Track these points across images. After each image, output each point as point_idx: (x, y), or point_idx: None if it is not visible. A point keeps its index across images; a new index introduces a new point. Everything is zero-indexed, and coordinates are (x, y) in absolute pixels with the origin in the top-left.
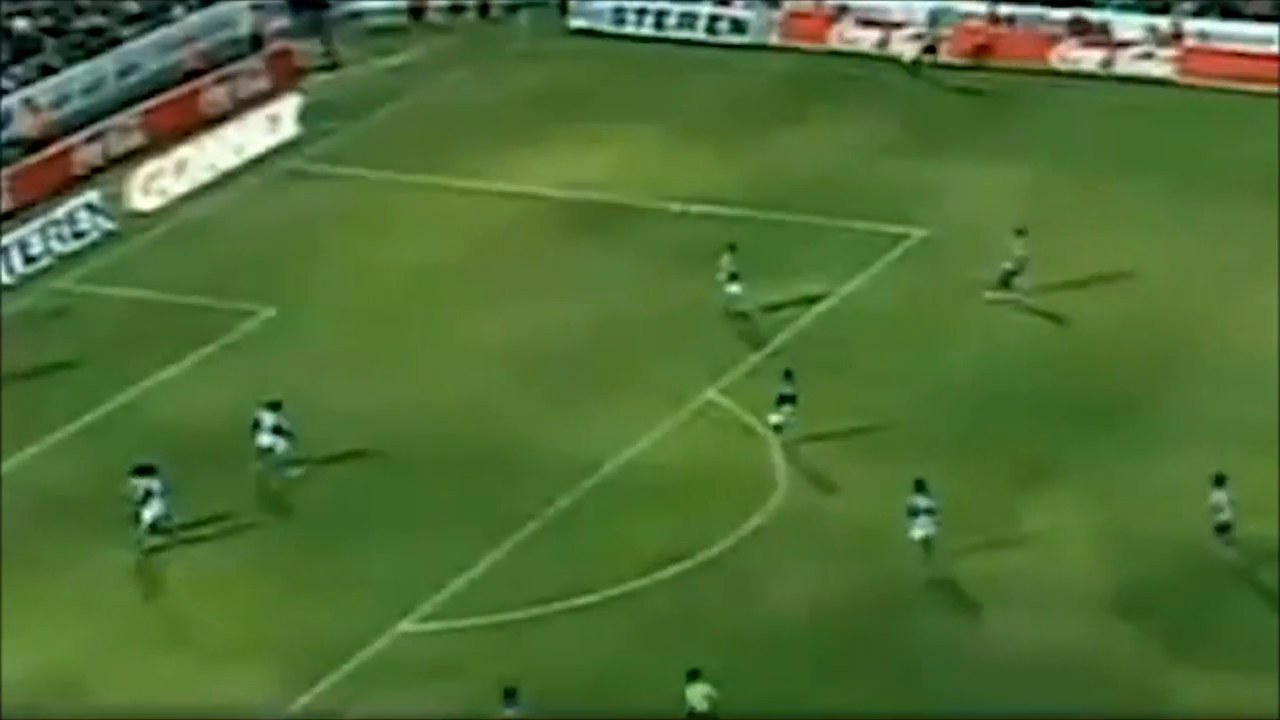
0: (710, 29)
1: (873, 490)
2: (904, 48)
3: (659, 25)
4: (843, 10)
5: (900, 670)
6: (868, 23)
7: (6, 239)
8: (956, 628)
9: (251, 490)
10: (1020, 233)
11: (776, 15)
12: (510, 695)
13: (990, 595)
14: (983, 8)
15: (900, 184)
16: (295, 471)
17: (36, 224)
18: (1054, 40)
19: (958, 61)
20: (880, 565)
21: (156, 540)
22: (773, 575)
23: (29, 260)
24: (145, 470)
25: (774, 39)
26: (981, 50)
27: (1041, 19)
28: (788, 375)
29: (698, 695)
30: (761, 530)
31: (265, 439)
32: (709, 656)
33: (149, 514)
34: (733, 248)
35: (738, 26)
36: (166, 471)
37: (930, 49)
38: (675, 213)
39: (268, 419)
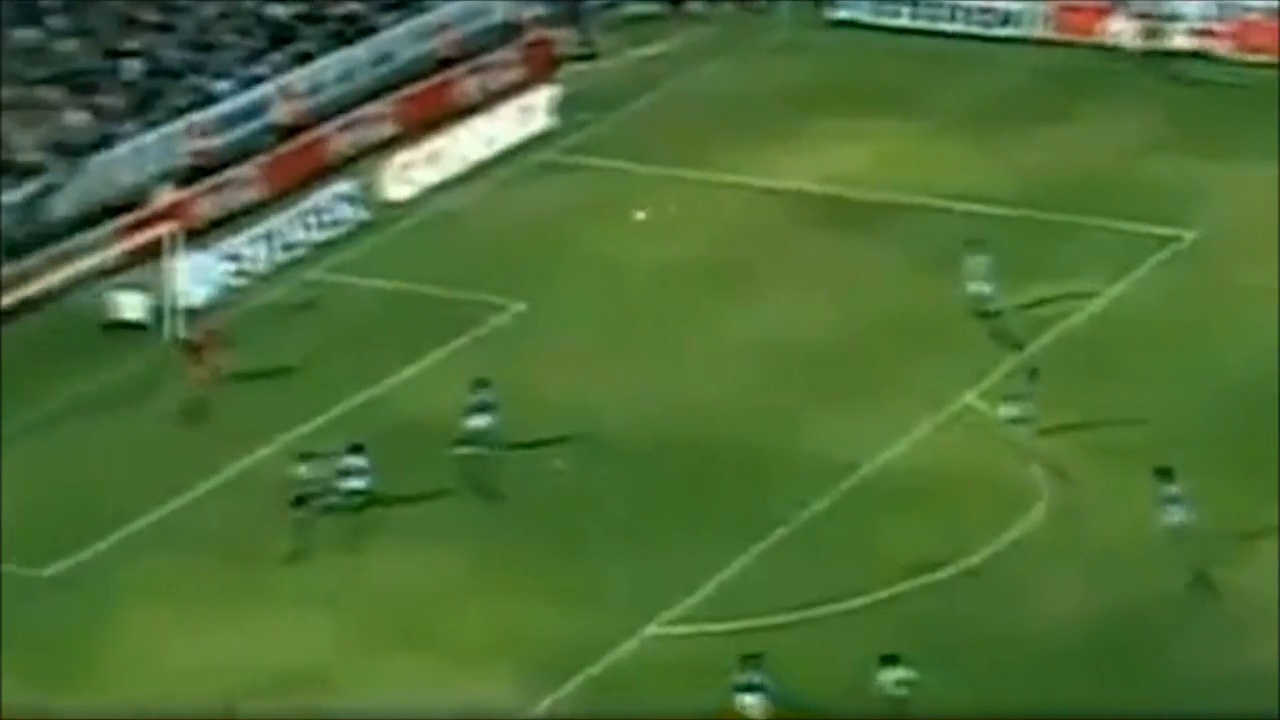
0: (977, 21)
1: (1139, 498)
2: (1151, 42)
3: (923, 17)
4: (1116, 3)
5: (1166, 684)
6: (1141, 15)
7: (261, 227)
8: (1221, 641)
9: (502, 489)
10: None
11: (1047, 8)
12: (750, 661)
13: (1256, 608)
14: (1261, 2)
15: (1169, 183)
16: (559, 463)
17: (290, 212)
18: None
19: (1235, 56)
20: (1144, 576)
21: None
22: (1033, 584)
23: (283, 249)
24: (356, 449)
25: (1043, 32)
26: (1259, 45)
27: None
28: (1032, 374)
29: (891, 680)
30: (1022, 538)
31: (475, 420)
32: (966, 665)
33: (349, 485)
34: (981, 246)
35: (1006, 19)
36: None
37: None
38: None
39: (475, 398)
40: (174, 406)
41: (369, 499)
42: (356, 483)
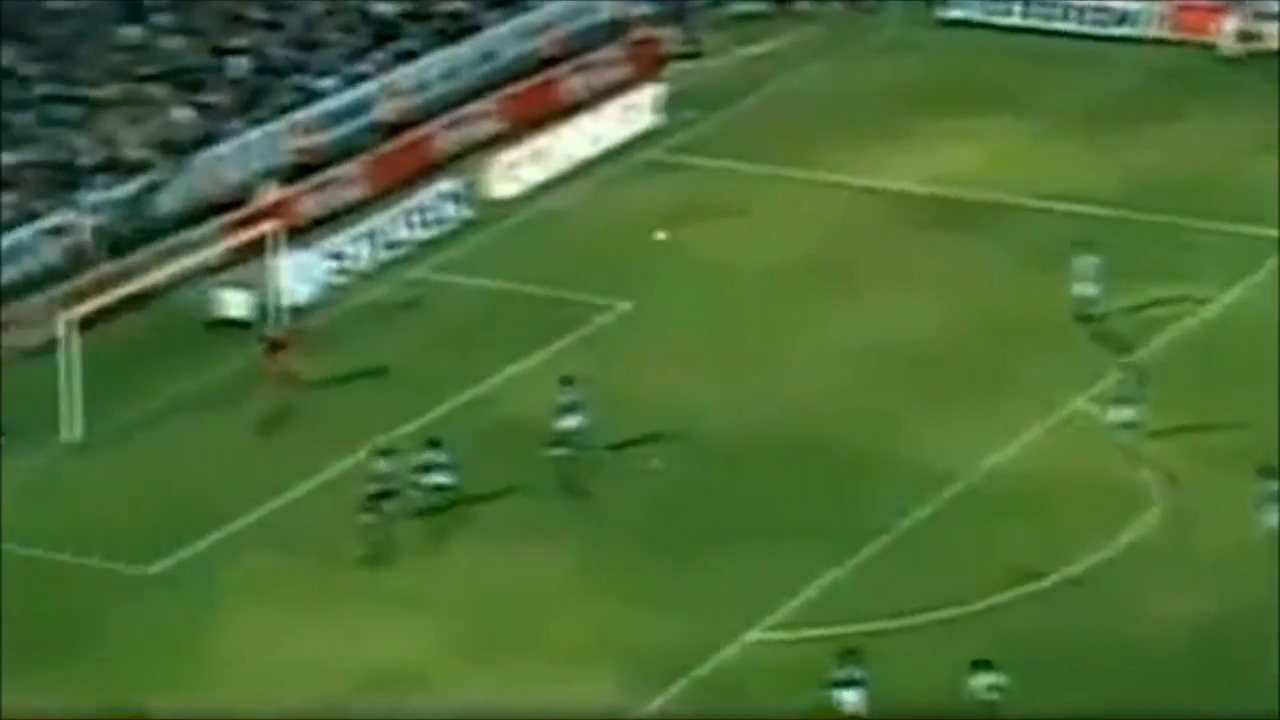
0: (1091, 20)
1: (1249, 503)
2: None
3: (1035, 16)
4: (1231, 3)
5: (1273, 690)
6: (1259, 15)
7: (364, 225)
8: None
9: (600, 490)
10: None
11: (1163, 7)
12: (849, 656)
13: None
14: None
15: None
16: (656, 463)
17: (393, 211)
18: None
19: None
20: (1252, 580)
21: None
22: (1143, 590)
23: (387, 247)
24: (434, 444)
25: (1158, 32)
26: None
27: None
28: (1141, 378)
29: (983, 685)
30: (1134, 543)
31: (565, 421)
32: (1070, 674)
33: (431, 480)
34: (1089, 247)
35: (1123, 18)
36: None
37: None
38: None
39: (565, 399)
40: (274, 406)
41: (453, 494)
42: (439, 478)
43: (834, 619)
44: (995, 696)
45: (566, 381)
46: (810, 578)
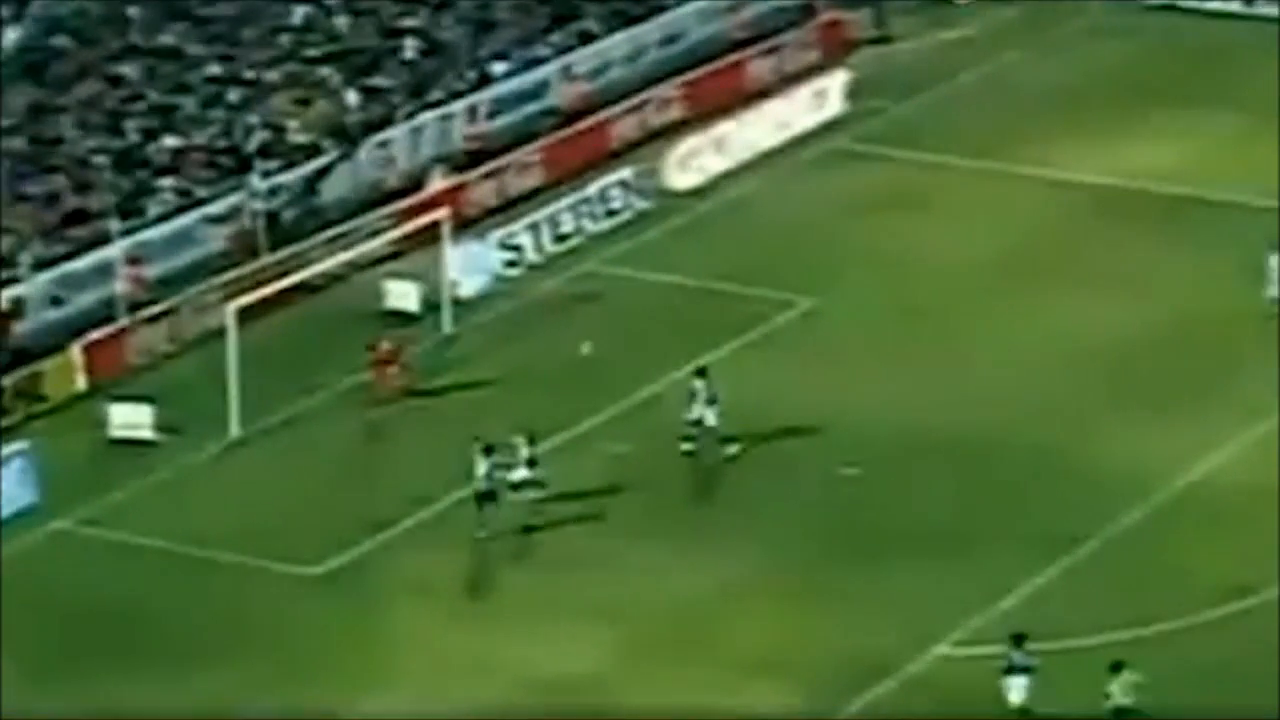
0: None
1: None
2: None
3: (1251, 1)
4: None
5: None
6: None
7: (537, 215)
8: None
9: (788, 493)
10: None
11: None
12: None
13: None
14: None
15: None
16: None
17: (568, 200)
18: None
19: None
20: None
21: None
22: None
23: (559, 239)
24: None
25: None
26: None
27: None
28: None
29: (1121, 686)
30: None
31: (697, 411)
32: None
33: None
34: None
35: None
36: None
37: None
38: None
39: (699, 386)
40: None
41: (543, 493)
42: (532, 474)
43: (1031, 635)
44: (1132, 697)
45: (700, 374)
46: (1006, 589)
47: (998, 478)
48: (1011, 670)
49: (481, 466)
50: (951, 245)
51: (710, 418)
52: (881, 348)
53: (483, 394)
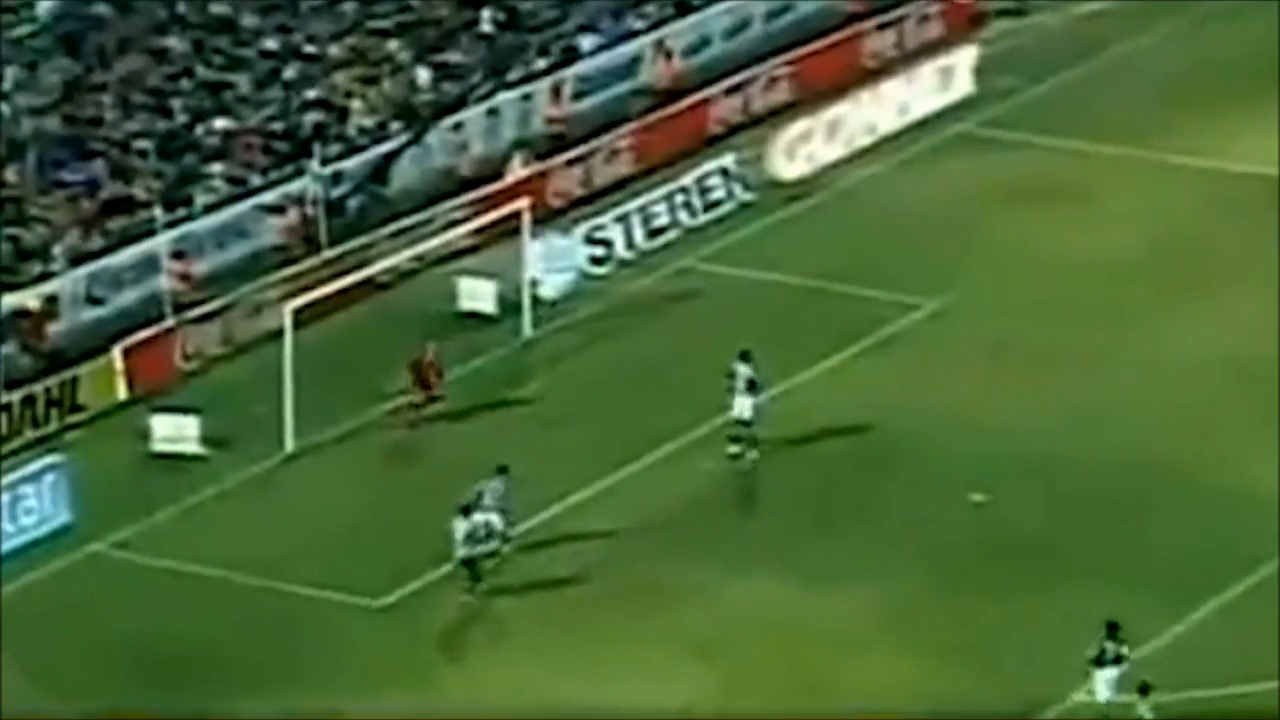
0: None
1: None
2: None
3: None
4: None
5: None
6: None
7: (628, 206)
8: None
9: (909, 519)
10: None
11: None
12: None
13: None
14: None
15: None
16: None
17: (662, 190)
18: None
19: None
20: None
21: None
22: None
23: (652, 233)
24: (503, 470)
25: None
26: None
27: None
28: None
29: (1147, 707)
30: None
31: (739, 404)
32: None
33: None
34: None
35: None
36: None
37: None
38: None
39: (741, 371)
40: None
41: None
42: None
43: (1177, 681)
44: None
45: (744, 358)
46: (1150, 628)
47: (1141, 505)
48: (1099, 662)
49: (460, 530)
50: (1095, 242)
51: (746, 409)
52: (1015, 355)
53: (563, 401)
